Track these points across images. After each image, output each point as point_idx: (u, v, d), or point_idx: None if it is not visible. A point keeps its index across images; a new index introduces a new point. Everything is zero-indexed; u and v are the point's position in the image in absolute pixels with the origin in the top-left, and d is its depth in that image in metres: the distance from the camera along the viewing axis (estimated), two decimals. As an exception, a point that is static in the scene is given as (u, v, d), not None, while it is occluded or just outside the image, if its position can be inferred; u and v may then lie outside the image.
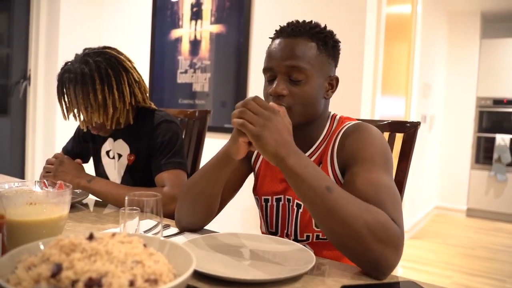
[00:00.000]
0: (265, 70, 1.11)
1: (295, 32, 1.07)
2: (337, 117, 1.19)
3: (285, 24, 1.11)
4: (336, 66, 1.16)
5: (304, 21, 1.11)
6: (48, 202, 0.93)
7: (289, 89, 1.06)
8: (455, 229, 4.75)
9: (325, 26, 1.13)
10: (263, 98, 1.11)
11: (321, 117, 1.14)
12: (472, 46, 5.26)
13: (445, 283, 3.08)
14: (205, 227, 1.18)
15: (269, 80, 1.10)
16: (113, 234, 0.68)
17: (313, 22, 1.11)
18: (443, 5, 4.97)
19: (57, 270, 0.58)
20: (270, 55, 1.09)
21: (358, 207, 0.86)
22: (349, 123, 1.14)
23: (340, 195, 0.87)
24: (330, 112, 1.20)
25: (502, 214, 5.15)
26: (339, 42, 1.14)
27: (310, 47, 1.07)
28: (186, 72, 3.12)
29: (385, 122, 1.43)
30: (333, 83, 1.14)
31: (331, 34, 1.12)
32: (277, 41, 1.09)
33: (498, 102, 5.25)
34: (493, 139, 5.23)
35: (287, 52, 1.06)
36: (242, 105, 0.92)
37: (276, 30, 1.13)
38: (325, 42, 1.09)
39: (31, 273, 0.59)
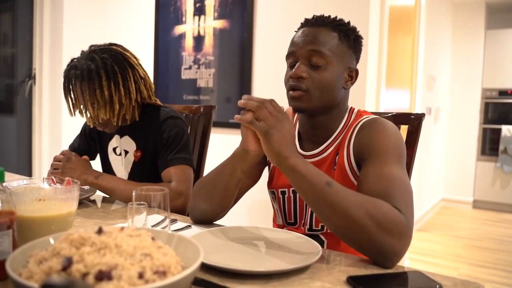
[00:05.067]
0: (288, 56, 1.16)
1: (319, 22, 1.13)
2: (355, 110, 1.21)
3: (311, 17, 1.17)
4: (357, 60, 1.21)
5: (329, 15, 1.17)
6: (56, 198, 0.94)
7: (309, 73, 1.10)
8: (461, 221, 4.74)
9: (349, 22, 1.18)
10: (283, 84, 1.16)
11: (339, 107, 1.18)
12: (477, 37, 5.23)
13: (452, 275, 3.06)
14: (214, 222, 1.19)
15: (291, 66, 1.15)
16: (122, 228, 0.69)
17: (337, 17, 1.17)
18: (447, -4, 4.94)
19: (68, 263, 0.59)
20: (293, 42, 1.15)
21: (358, 200, 0.89)
22: (366, 117, 1.16)
23: (340, 189, 0.90)
24: (348, 105, 1.22)
25: (508, 205, 5.13)
26: (362, 38, 1.19)
27: (332, 36, 1.12)
28: (190, 68, 3.13)
29: (390, 114, 1.43)
30: (352, 75, 1.18)
31: (354, 29, 1.17)
32: (301, 30, 1.15)
33: (503, 93, 5.21)
34: (499, 130, 5.20)
35: (310, 38, 1.11)
36: (259, 101, 0.95)
37: (301, 23, 1.18)
38: (347, 34, 1.14)
39: (42, 266, 0.61)
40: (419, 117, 1.38)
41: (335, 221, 0.89)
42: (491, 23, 5.46)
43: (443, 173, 5.41)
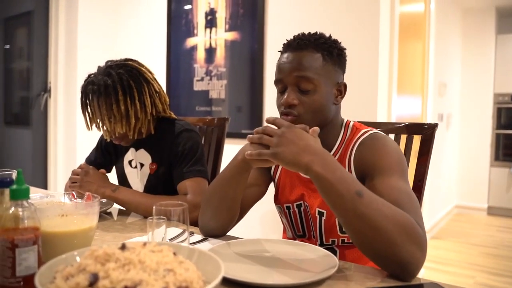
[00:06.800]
0: (276, 82, 1.16)
1: (301, 45, 1.13)
2: (351, 124, 1.22)
3: (292, 38, 1.17)
4: (343, 72, 1.21)
5: (309, 33, 1.17)
6: (78, 213, 0.97)
7: (299, 99, 1.11)
8: (476, 228, 4.69)
9: (330, 36, 1.18)
10: (276, 108, 1.17)
11: (332, 123, 1.18)
12: (488, 42, 5.20)
13: (468, 283, 3.05)
14: (227, 233, 1.21)
15: (281, 92, 1.16)
16: (144, 244, 0.71)
17: (317, 33, 1.17)
18: (457, 2, 4.93)
19: (94, 279, 0.61)
20: (279, 68, 1.15)
21: (388, 211, 0.88)
22: (364, 132, 1.17)
23: (371, 199, 0.88)
24: (343, 119, 1.23)
25: (524, 212, 5.07)
26: (344, 49, 1.19)
27: (316, 58, 1.12)
28: (202, 79, 3.16)
29: (403, 125, 1.44)
30: (341, 89, 1.18)
31: (335, 43, 1.17)
32: (285, 54, 1.15)
33: (516, 98, 5.17)
34: (513, 135, 5.16)
35: (295, 64, 1.11)
36: (260, 132, 0.98)
37: (283, 44, 1.18)
38: (330, 51, 1.14)
39: (69, 282, 0.63)
40: (432, 127, 1.39)
41: (363, 233, 0.88)
42: (502, 28, 5.43)
43: (456, 180, 5.36)
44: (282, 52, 1.18)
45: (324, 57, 1.12)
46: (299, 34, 1.17)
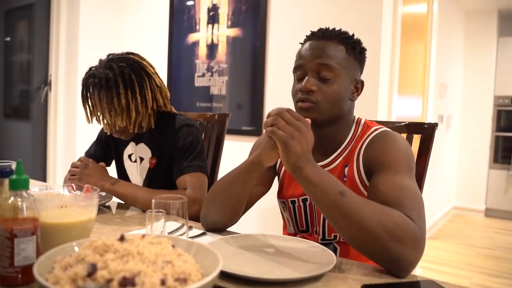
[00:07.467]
0: (296, 69, 1.17)
1: (326, 35, 1.14)
2: (362, 121, 1.23)
3: (316, 30, 1.18)
4: (361, 72, 1.22)
5: (334, 28, 1.18)
6: (77, 205, 0.97)
7: (318, 86, 1.11)
8: (474, 229, 4.70)
9: (353, 35, 1.19)
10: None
11: (345, 118, 1.19)
12: (489, 45, 5.20)
13: (464, 284, 3.06)
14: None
15: (299, 79, 1.16)
16: (143, 236, 0.71)
17: (341, 29, 1.18)
18: (459, 3, 4.92)
19: (93, 269, 0.61)
20: (300, 55, 1.16)
21: (372, 209, 0.90)
22: (375, 129, 1.17)
23: (353, 199, 0.91)
24: (355, 116, 1.24)
25: (522, 214, 5.07)
26: (366, 50, 1.21)
27: (340, 50, 1.13)
28: (203, 75, 3.16)
29: (403, 124, 1.44)
30: (358, 86, 1.19)
31: (359, 41, 1.19)
32: (308, 43, 1.16)
33: (516, 100, 5.18)
34: (512, 138, 5.16)
35: (318, 51, 1.12)
36: (275, 113, 0.96)
37: (306, 35, 1.19)
38: (353, 47, 1.16)
39: (68, 272, 0.63)
40: (432, 127, 1.39)
41: (349, 231, 0.91)
42: (504, 30, 5.43)
43: (455, 181, 5.37)
44: (304, 42, 1.18)
45: (347, 51, 1.14)
46: (323, 27, 1.18)
